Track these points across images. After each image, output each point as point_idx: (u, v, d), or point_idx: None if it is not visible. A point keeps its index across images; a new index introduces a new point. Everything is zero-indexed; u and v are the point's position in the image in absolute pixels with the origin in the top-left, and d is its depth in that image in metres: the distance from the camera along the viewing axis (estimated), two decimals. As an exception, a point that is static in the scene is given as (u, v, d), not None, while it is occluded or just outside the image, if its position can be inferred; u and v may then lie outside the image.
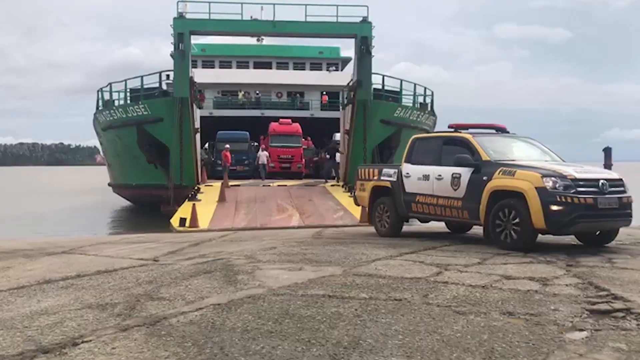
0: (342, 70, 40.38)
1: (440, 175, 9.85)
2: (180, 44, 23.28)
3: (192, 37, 24.79)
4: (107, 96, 27.73)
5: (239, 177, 28.00)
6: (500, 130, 10.90)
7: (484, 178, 9.07)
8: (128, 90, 26.32)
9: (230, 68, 40.24)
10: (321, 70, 41.03)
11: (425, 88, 29.26)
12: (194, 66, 29.79)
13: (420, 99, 28.70)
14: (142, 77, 25.55)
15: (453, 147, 9.95)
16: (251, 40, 40.14)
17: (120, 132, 26.56)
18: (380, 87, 25.99)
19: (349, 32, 25.28)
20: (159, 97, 25.30)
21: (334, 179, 26.74)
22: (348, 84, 26.15)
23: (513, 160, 9.31)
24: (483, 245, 9.09)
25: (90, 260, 8.34)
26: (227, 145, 27.86)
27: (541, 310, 5.00)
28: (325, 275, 6.63)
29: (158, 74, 25.56)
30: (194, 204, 17.52)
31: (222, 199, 20.13)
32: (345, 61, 39.78)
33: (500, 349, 4.02)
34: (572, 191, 8.35)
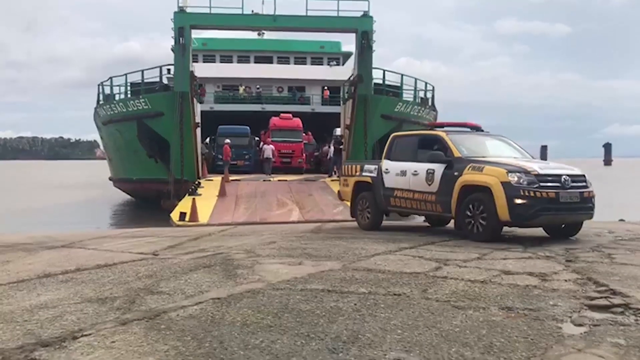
0: (343, 64, 40.23)
1: (416, 171, 10.36)
2: (180, 38, 23.24)
3: (192, 31, 24.74)
4: (107, 90, 27.71)
5: (239, 171, 27.99)
6: (475, 129, 11.52)
7: (455, 173, 9.61)
8: (128, 84, 26.30)
9: (231, 62, 40.16)
10: (322, 64, 40.86)
11: (426, 83, 29.22)
12: (195, 60, 29.73)
13: (421, 94, 28.64)
14: (142, 71, 25.53)
15: (428, 145, 10.50)
16: (252, 35, 40.03)
17: (120, 126, 26.54)
18: (381, 82, 25.95)
19: (349, 26, 25.20)
20: (160, 91, 25.27)
21: (335, 174, 26.71)
22: (349, 78, 26.09)
23: (483, 157, 9.83)
24: (482, 241, 9.10)
25: (90, 254, 8.34)
26: (228, 140, 27.84)
27: (540, 306, 5.01)
28: (325, 270, 6.64)
29: (159, 68, 25.54)
30: (194, 199, 17.51)
31: (222, 193, 20.12)
32: (347, 56, 39.63)
33: (499, 344, 4.03)
34: (535, 186, 8.89)
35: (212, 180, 23.85)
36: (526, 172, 9.02)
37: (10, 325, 4.53)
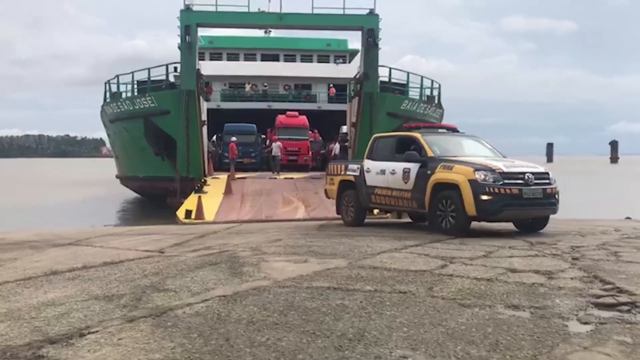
0: (349, 62, 40.17)
1: (394, 170, 11.01)
2: (187, 37, 23.25)
3: (199, 29, 24.74)
4: (114, 88, 27.80)
5: (246, 169, 28.03)
6: (452, 130, 12.35)
7: (428, 172, 10.26)
8: (135, 82, 26.37)
9: (238, 60, 40.10)
10: (329, 62, 40.78)
11: (432, 81, 29.13)
12: (202, 58, 29.75)
13: (428, 92, 28.57)
14: (149, 69, 25.59)
15: (405, 145, 11.12)
16: (259, 33, 40.00)
17: (127, 124, 26.62)
18: (387, 79, 25.91)
19: (355, 24, 25.17)
20: (166, 89, 25.32)
21: None
22: (355, 76, 26.06)
23: (455, 157, 10.46)
24: (488, 239, 9.12)
25: (97, 252, 8.38)
26: (234, 138, 27.88)
27: (546, 304, 5.00)
28: (330, 268, 6.64)
29: (165, 66, 25.57)
30: (199, 196, 17.54)
31: (228, 191, 20.15)
32: (353, 53, 39.49)
33: (504, 342, 4.02)
34: (499, 183, 9.53)
35: (218, 178, 23.88)
36: (491, 170, 9.64)
37: (17, 322, 4.56)
